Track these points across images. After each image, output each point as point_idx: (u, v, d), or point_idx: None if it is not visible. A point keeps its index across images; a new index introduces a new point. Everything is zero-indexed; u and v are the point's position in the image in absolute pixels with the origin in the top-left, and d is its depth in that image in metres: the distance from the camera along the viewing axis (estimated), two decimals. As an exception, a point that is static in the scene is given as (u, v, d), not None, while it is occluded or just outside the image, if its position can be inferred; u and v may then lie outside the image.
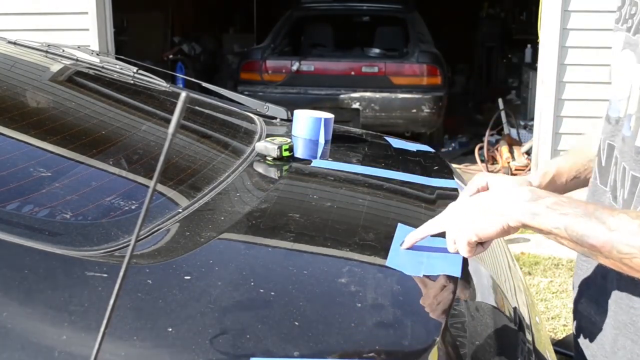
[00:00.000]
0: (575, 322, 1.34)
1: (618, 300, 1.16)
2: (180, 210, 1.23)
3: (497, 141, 6.65)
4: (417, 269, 1.12)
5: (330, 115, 1.90)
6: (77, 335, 0.86)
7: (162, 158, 0.74)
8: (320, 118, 1.87)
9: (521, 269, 3.43)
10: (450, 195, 1.59)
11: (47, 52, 2.10)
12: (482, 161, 6.16)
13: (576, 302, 1.34)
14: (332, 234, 1.27)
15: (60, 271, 0.98)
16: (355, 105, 6.47)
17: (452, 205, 1.15)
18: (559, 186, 1.31)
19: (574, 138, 4.96)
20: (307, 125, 1.87)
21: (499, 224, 1.05)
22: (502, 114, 6.91)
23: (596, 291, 1.24)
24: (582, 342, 1.29)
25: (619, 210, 1.02)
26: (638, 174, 1.09)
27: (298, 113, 1.91)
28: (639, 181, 1.09)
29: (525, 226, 1.04)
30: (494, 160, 6.35)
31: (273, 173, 1.59)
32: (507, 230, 1.06)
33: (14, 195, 1.12)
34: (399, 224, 1.29)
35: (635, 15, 1.16)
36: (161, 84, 2.06)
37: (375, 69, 6.66)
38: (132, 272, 0.96)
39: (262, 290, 1.01)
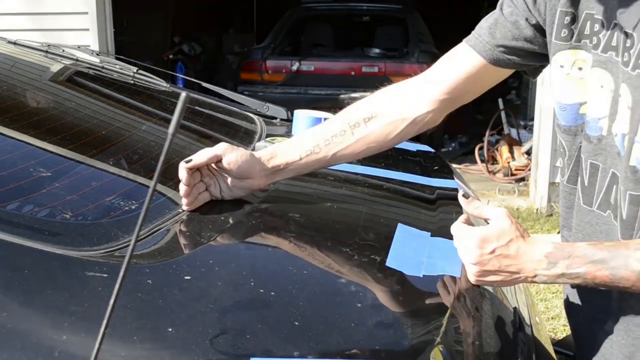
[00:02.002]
0: (576, 343, 1.33)
1: (629, 315, 1.16)
2: (180, 210, 1.23)
3: (497, 141, 6.65)
4: (417, 269, 1.12)
5: (331, 115, 1.90)
6: (77, 335, 0.86)
7: (162, 158, 0.74)
8: (320, 118, 1.87)
9: (521, 269, 3.42)
10: (450, 195, 1.59)
11: (47, 52, 2.10)
12: (482, 161, 6.16)
13: (575, 323, 1.34)
14: (332, 234, 1.27)
15: (60, 271, 0.98)
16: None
17: (465, 239, 1.10)
18: (294, 169, 1.32)
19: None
20: (308, 125, 1.87)
21: (513, 283, 1.10)
22: (502, 114, 6.90)
23: (596, 310, 1.23)
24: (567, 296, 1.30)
25: (632, 243, 1.05)
26: (636, 192, 1.10)
27: (298, 113, 1.91)
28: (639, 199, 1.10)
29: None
30: (494, 160, 6.35)
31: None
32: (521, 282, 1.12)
33: (14, 195, 1.12)
34: (399, 224, 1.29)
35: (599, 32, 1.13)
36: (161, 84, 2.06)
37: (375, 69, 6.66)
38: (132, 272, 0.96)
39: (262, 290, 1.01)
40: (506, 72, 1.30)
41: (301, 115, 1.89)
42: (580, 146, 1.22)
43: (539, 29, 1.23)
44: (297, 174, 1.36)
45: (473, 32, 1.30)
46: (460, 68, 1.30)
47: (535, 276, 1.07)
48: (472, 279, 1.09)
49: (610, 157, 1.15)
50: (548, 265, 1.05)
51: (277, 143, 1.38)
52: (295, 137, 1.40)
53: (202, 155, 1.26)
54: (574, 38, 1.17)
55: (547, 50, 1.23)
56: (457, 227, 1.11)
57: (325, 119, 1.86)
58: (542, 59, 1.27)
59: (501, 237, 1.06)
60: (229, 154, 1.28)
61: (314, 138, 1.33)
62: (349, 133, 1.32)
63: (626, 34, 1.08)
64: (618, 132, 1.12)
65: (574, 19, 1.17)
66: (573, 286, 1.30)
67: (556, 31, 1.19)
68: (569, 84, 1.20)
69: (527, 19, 1.23)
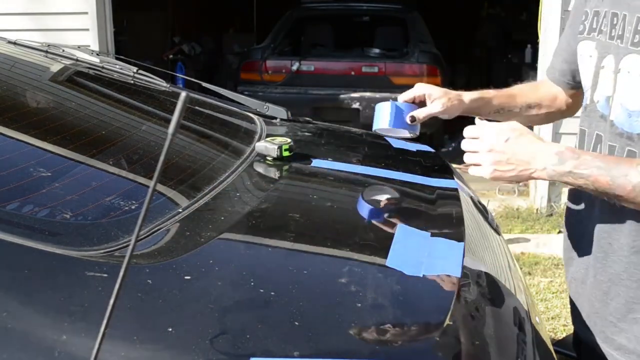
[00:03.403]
0: (569, 289, 1.47)
1: (610, 255, 1.29)
2: (180, 210, 1.23)
3: (497, 141, 6.64)
4: (417, 269, 1.12)
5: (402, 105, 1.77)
6: (77, 335, 0.86)
7: (162, 158, 0.74)
8: (398, 106, 1.72)
9: (521, 269, 3.43)
10: (450, 195, 1.59)
11: (47, 52, 2.09)
12: (482, 161, 6.15)
13: (568, 265, 1.46)
14: (332, 234, 1.27)
15: (60, 271, 0.98)
16: (355, 105, 6.46)
17: (484, 131, 1.27)
18: (482, 112, 1.56)
19: (574, 138, 4.96)
20: (391, 113, 1.71)
21: (524, 174, 1.23)
22: (502, 114, 6.89)
23: (586, 253, 1.36)
24: (576, 303, 1.43)
25: (635, 161, 1.18)
26: (612, 143, 1.27)
27: (380, 105, 1.75)
28: (614, 149, 1.26)
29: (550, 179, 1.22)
30: (494, 160, 6.34)
31: (273, 173, 1.59)
32: (527, 179, 1.24)
33: (14, 195, 1.12)
34: (399, 224, 1.29)
35: (599, 22, 1.32)
36: (161, 84, 2.05)
37: (375, 69, 6.65)
38: (132, 272, 0.96)
39: (262, 290, 1.01)
40: None
41: (384, 106, 1.74)
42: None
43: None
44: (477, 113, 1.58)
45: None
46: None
47: (544, 169, 1.20)
48: (489, 170, 1.23)
49: (595, 122, 1.32)
50: (558, 162, 1.19)
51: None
52: (488, 93, 1.61)
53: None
54: (586, 31, 1.36)
55: None
56: (471, 127, 1.28)
57: (398, 106, 1.73)
58: None
59: (514, 130, 1.24)
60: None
61: (502, 104, 1.59)
62: (523, 110, 1.60)
63: (616, 15, 1.26)
64: (600, 98, 1.30)
65: (587, 15, 1.36)
66: (569, 240, 1.44)
67: (580, 27, 1.38)
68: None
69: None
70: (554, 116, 1.64)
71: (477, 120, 1.32)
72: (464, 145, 1.30)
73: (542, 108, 1.60)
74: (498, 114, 1.60)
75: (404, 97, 1.58)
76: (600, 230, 1.31)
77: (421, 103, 1.58)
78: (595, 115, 1.32)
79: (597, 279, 1.33)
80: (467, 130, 1.30)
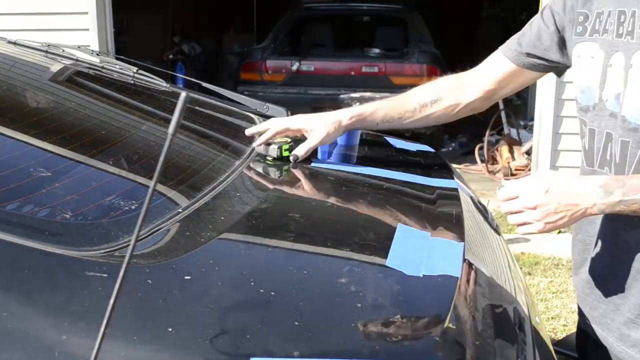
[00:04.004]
0: (581, 290, 1.45)
1: (627, 252, 1.28)
2: (180, 210, 1.23)
3: (497, 141, 6.65)
4: (417, 269, 1.12)
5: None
6: (77, 335, 0.86)
7: (162, 158, 0.74)
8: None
9: (521, 269, 3.43)
10: (450, 195, 1.59)
11: (47, 52, 2.09)
12: (482, 161, 6.16)
13: (579, 267, 1.45)
14: (332, 234, 1.27)
15: (60, 271, 0.98)
16: (355, 105, 6.46)
17: (520, 189, 1.25)
18: (368, 127, 1.69)
19: (574, 138, 4.96)
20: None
21: (575, 216, 1.20)
22: (502, 114, 6.90)
23: (602, 252, 1.36)
24: (589, 304, 1.42)
25: None
26: (625, 138, 1.26)
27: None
28: (627, 145, 1.25)
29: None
30: (494, 160, 6.35)
31: (273, 173, 1.59)
32: (580, 218, 1.22)
33: (14, 195, 1.12)
34: (399, 224, 1.29)
35: (603, 22, 1.32)
36: (161, 84, 2.05)
37: (375, 69, 6.66)
38: (132, 272, 0.96)
39: (262, 290, 1.01)
40: (536, 74, 1.54)
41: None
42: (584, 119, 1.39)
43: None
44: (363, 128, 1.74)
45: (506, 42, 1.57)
46: (496, 69, 1.58)
47: (593, 206, 1.18)
48: (540, 226, 1.20)
49: (604, 120, 1.31)
50: (605, 195, 1.17)
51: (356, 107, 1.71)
52: (371, 106, 1.67)
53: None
54: (588, 33, 1.35)
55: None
56: (504, 188, 1.26)
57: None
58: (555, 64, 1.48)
59: (548, 178, 1.22)
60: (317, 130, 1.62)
61: (389, 111, 1.65)
62: (417, 111, 1.64)
63: (623, 12, 1.25)
64: (609, 96, 1.29)
65: (587, 17, 1.36)
66: (580, 233, 1.43)
67: (579, 28, 1.37)
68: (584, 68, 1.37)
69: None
70: (461, 110, 1.63)
71: (503, 181, 1.31)
72: (505, 207, 1.27)
73: (442, 102, 1.61)
74: (387, 123, 1.64)
75: (263, 138, 1.64)
76: (617, 228, 1.31)
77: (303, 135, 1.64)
78: (604, 114, 1.31)
79: (617, 275, 1.32)
80: (501, 193, 1.28)
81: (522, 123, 7.05)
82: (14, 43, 2.09)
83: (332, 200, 1.48)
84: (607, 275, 1.35)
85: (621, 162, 1.28)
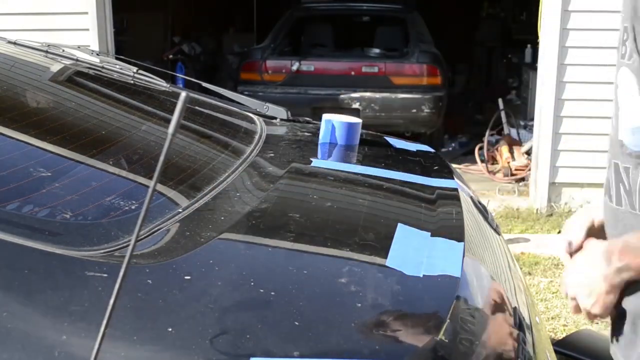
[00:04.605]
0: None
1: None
2: (180, 210, 1.23)
3: (497, 141, 6.64)
4: (417, 269, 1.12)
5: (357, 120, 1.88)
6: (77, 335, 0.86)
7: (162, 158, 0.74)
8: (350, 123, 1.85)
9: (521, 269, 3.42)
10: (450, 195, 1.59)
11: (47, 52, 2.09)
12: (482, 161, 6.16)
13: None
14: (332, 234, 1.27)
15: (60, 271, 0.98)
16: (355, 105, 6.46)
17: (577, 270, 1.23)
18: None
19: (574, 138, 4.96)
20: (338, 130, 1.84)
21: (609, 299, 1.15)
22: (502, 114, 6.90)
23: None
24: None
25: None
26: (625, 164, 1.18)
27: (328, 118, 1.87)
28: (629, 170, 1.18)
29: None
30: (494, 160, 6.34)
31: (273, 173, 1.59)
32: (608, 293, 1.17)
33: (14, 195, 1.12)
34: (399, 224, 1.29)
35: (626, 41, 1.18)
36: (161, 84, 2.05)
37: (375, 69, 6.65)
38: (132, 272, 0.96)
39: (262, 290, 1.01)
40: None
41: (330, 120, 1.86)
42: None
43: None
44: None
45: None
46: None
47: (606, 277, 1.15)
48: (609, 299, 1.15)
49: (613, 149, 1.22)
50: (622, 268, 1.13)
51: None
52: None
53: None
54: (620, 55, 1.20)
55: None
56: (570, 274, 1.24)
57: (354, 123, 1.83)
58: None
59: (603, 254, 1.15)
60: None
61: None
62: None
63: (625, 29, 1.15)
64: (614, 121, 1.20)
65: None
66: None
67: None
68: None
69: None
70: None
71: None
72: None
73: None
74: None
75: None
76: None
77: None
78: (614, 143, 1.22)
79: None
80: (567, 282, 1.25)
81: (522, 123, 7.04)
82: (14, 43, 2.09)
83: (332, 200, 1.48)
84: None
85: (631, 189, 1.21)
